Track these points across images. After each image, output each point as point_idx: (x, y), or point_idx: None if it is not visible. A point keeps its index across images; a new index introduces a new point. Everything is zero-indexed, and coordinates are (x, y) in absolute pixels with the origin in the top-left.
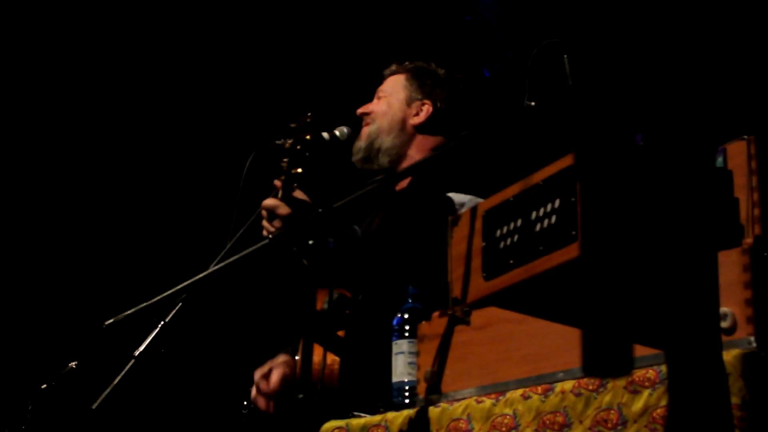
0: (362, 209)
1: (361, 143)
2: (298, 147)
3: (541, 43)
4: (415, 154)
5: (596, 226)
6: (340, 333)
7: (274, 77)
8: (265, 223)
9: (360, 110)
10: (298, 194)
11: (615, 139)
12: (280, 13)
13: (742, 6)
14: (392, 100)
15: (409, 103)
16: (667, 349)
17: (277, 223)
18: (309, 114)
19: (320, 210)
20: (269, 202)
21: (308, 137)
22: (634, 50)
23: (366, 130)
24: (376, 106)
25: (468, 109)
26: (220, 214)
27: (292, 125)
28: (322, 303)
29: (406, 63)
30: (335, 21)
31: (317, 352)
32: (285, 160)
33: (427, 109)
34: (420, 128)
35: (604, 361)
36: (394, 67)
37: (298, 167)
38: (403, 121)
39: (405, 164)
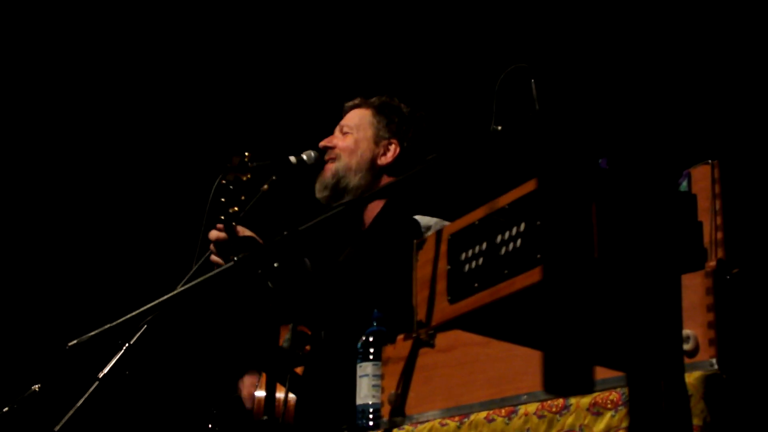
0: (331, 236)
1: (326, 180)
2: (231, 187)
3: (508, 68)
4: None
5: (560, 249)
6: (298, 370)
7: (235, 103)
8: (214, 257)
9: (323, 143)
10: (241, 231)
11: (579, 163)
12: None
13: (706, 32)
14: (359, 138)
15: (377, 141)
16: (630, 371)
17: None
18: (246, 154)
19: (285, 233)
20: (214, 234)
21: (245, 177)
22: (600, 75)
23: (332, 167)
24: (341, 142)
25: (430, 148)
26: (185, 236)
27: (228, 164)
28: (283, 339)
29: (373, 98)
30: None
31: (279, 388)
32: (222, 199)
33: (394, 149)
34: (387, 168)
35: (565, 381)
36: (358, 101)
37: (234, 206)
38: (371, 161)
39: (375, 205)
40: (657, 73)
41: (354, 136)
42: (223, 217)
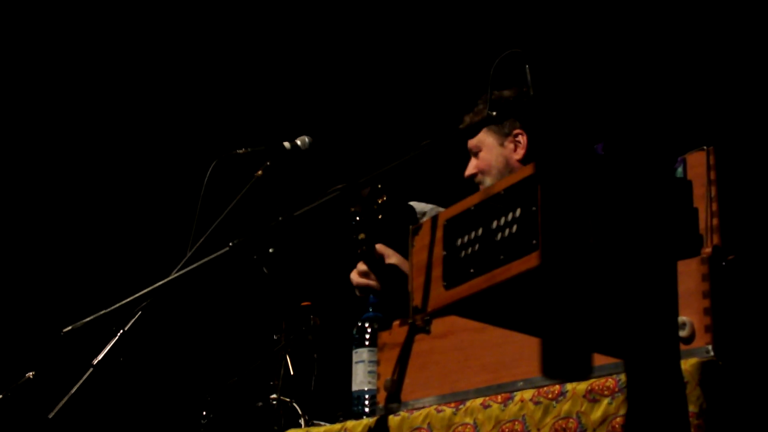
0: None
1: None
2: (358, 218)
3: (502, 54)
4: None
5: (557, 234)
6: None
7: (232, 88)
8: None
9: (467, 173)
10: (380, 248)
11: (576, 147)
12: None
13: (701, 18)
14: (486, 151)
15: (503, 144)
16: (626, 358)
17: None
18: (380, 187)
19: (280, 218)
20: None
21: (375, 206)
22: (596, 61)
23: (483, 184)
24: (478, 164)
25: (562, 95)
26: (181, 222)
27: (363, 193)
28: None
29: (479, 105)
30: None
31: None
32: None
33: (522, 139)
34: (526, 159)
35: (562, 367)
36: (467, 119)
37: (361, 233)
38: (507, 163)
39: None
40: (653, 59)
41: (482, 153)
42: (360, 251)
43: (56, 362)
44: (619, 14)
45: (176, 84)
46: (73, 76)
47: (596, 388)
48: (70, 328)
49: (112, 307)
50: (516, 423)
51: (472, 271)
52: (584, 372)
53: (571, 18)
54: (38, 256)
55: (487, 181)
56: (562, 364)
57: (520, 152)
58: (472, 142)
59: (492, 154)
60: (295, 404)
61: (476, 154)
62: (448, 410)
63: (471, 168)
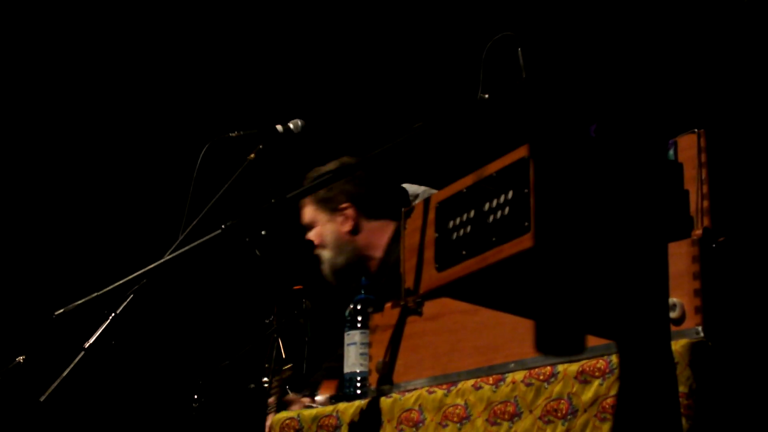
0: None
1: (326, 270)
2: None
3: (495, 36)
4: (374, 242)
5: (549, 216)
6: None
7: (225, 71)
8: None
9: (307, 239)
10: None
11: (568, 130)
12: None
13: (694, 2)
14: (320, 227)
15: (332, 219)
16: (617, 339)
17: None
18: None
19: (273, 200)
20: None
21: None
22: (588, 43)
23: (321, 256)
24: (315, 239)
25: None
26: (173, 205)
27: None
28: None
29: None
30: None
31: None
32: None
33: (349, 211)
34: (355, 229)
35: (553, 348)
36: (301, 202)
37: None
38: (340, 235)
39: (375, 253)
40: (645, 40)
41: (317, 229)
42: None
43: (47, 346)
44: None
45: (169, 67)
46: (64, 55)
47: (587, 369)
48: (62, 311)
49: (104, 290)
50: (508, 404)
51: (464, 253)
52: (576, 350)
53: (563, 1)
54: (29, 239)
55: (325, 254)
56: (553, 344)
57: (348, 225)
58: (305, 219)
59: (325, 230)
60: (287, 388)
61: (311, 230)
62: (439, 392)
63: (310, 237)
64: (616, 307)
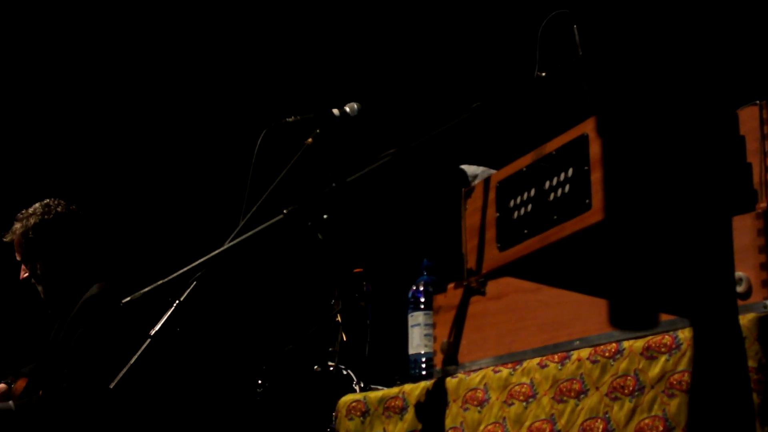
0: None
1: None
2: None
3: (550, 14)
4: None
5: (610, 193)
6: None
7: (281, 57)
8: None
9: None
10: None
11: (629, 106)
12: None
13: None
14: None
15: None
16: (684, 314)
17: None
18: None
19: (334, 184)
20: None
21: None
22: (644, 19)
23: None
24: None
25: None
26: (233, 191)
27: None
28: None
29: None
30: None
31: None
32: None
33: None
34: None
35: (618, 324)
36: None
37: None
38: None
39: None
40: (704, 14)
41: None
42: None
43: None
44: None
45: (226, 54)
46: (122, 46)
47: (653, 345)
48: (128, 299)
49: (169, 278)
50: (574, 382)
51: (525, 231)
52: (648, 325)
53: None
54: (95, 227)
55: None
56: (623, 320)
57: None
58: None
59: None
60: (349, 371)
61: None
62: (504, 371)
63: None
64: (682, 282)
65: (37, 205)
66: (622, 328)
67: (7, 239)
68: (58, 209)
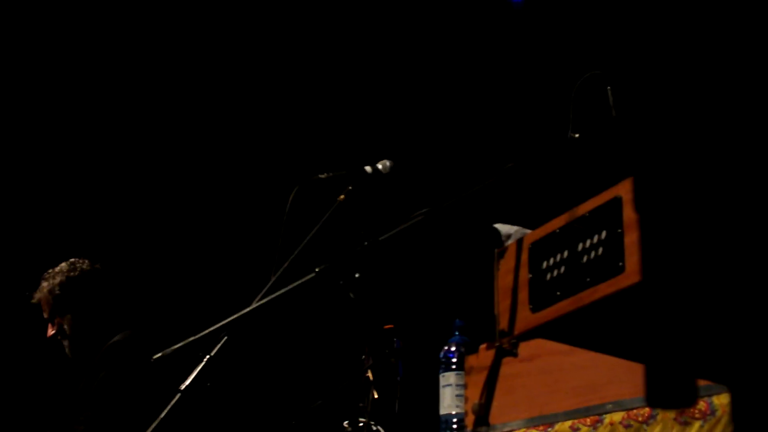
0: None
1: None
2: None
3: (583, 76)
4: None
5: (644, 257)
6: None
7: (313, 114)
8: None
9: None
10: None
11: (663, 165)
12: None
13: None
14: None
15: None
16: (725, 381)
17: None
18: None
19: (366, 243)
20: None
21: None
22: (678, 79)
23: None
24: None
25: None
26: (264, 248)
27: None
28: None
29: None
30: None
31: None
32: None
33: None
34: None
35: (665, 391)
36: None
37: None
38: None
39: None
40: (740, 75)
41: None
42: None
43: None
44: (700, 28)
45: (257, 110)
46: (163, 94)
47: (687, 411)
48: (159, 354)
49: (200, 334)
50: None
51: (558, 293)
52: (688, 399)
53: (650, 35)
54: (124, 283)
55: None
56: (659, 390)
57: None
58: None
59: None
60: (379, 427)
61: None
62: None
63: None
64: (718, 347)
65: (63, 263)
66: (656, 406)
67: (35, 300)
68: (83, 266)
